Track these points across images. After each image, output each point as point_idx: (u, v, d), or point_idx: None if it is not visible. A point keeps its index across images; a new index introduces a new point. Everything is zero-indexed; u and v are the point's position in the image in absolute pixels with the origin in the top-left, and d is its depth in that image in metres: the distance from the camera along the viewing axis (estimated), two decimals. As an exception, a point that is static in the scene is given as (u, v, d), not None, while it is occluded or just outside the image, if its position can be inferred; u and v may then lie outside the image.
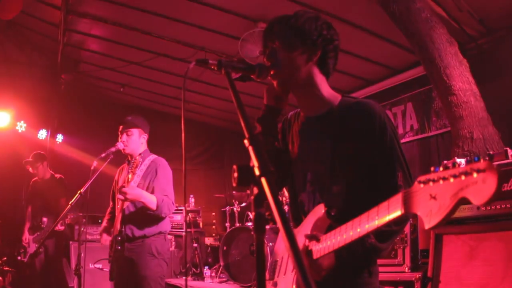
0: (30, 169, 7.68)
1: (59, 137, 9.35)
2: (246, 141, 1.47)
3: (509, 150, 3.93)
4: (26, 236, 7.47)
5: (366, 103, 2.18)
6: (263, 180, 1.35)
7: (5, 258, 6.95)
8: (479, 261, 3.79)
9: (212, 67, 1.92)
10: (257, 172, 1.37)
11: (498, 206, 3.74)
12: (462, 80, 4.78)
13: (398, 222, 2.04)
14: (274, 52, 2.23)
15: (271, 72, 2.20)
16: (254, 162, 1.40)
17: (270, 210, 2.37)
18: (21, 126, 8.70)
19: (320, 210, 2.08)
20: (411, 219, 4.39)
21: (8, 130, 8.49)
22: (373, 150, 2.10)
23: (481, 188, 1.16)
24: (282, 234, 1.25)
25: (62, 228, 7.26)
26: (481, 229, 3.87)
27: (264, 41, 2.33)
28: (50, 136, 9.28)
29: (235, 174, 1.41)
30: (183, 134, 2.11)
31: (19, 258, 7.45)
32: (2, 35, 8.80)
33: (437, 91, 5.13)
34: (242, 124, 1.54)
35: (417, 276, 4.31)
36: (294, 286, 2.09)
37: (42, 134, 9.20)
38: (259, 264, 1.36)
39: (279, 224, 1.27)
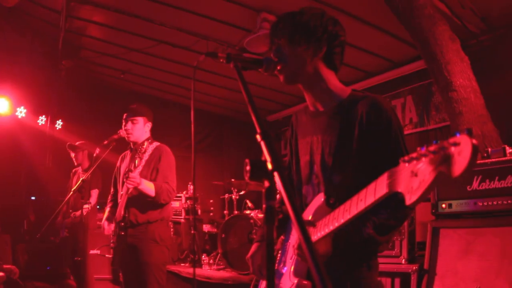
0: (72, 155, 7.83)
1: (59, 123, 9.36)
2: (258, 136, 1.52)
3: (507, 148, 3.99)
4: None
5: (375, 98, 2.23)
6: (275, 174, 1.40)
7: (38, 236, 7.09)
8: (475, 256, 3.86)
9: (221, 60, 1.97)
10: (269, 166, 1.42)
11: (495, 202, 3.81)
12: (463, 77, 4.81)
13: (397, 217, 2.11)
14: (280, 48, 2.30)
15: (278, 67, 2.25)
16: (267, 156, 1.45)
17: (281, 202, 2.43)
18: (21, 112, 8.68)
19: (319, 198, 2.14)
20: (411, 214, 4.45)
21: (8, 116, 8.48)
22: (377, 144, 2.15)
23: (456, 161, 1.21)
24: (295, 226, 1.31)
25: (78, 217, 7.36)
26: (478, 224, 3.94)
27: (271, 37, 2.38)
28: (50, 122, 9.27)
29: (248, 168, 1.46)
30: (192, 126, 2.16)
31: (52, 238, 7.78)
32: (3, 21, 8.72)
33: (438, 87, 5.16)
34: (254, 119, 1.59)
35: (414, 268, 4.38)
36: (292, 267, 2.17)
37: (42, 120, 9.20)
38: (269, 256, 1.42)
39: (292, 216, 1.32)
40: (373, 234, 2.07)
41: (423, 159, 1.34)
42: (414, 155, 1.38)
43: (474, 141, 1.18)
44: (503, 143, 4.49)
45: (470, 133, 1.21)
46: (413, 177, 1.37)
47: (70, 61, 9.07)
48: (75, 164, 7.86)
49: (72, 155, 7.82)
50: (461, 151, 1.20)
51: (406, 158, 1.42)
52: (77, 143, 7.78)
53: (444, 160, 1.25)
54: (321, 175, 2.29)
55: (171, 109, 10.62)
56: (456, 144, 1.22)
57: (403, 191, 1.42)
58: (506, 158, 3.90)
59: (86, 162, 7.82)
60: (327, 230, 1.93)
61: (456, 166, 1.21)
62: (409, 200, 1.39)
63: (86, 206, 7.13)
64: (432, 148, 1.31)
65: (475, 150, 1.17)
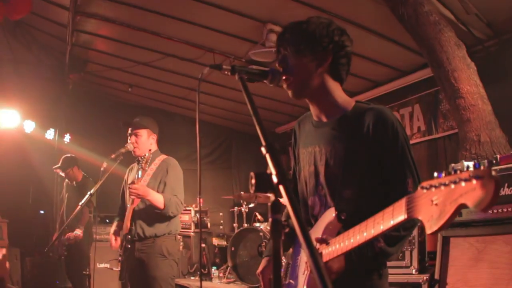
0: (61, 174, 7.75)
1: (67, 137, 9.37)
2: (263, 149, 1.50)
3: (516, 153, 3.95)
4: (55, 236, 7.52)
5: (380, 109, 2.20)
6: (281, 187, 1.38)
7: (47, 249, 7.08)
8: (485, 264, 3.82)
9: (226, 72, 1.96)
10: (275, 179, 1.41)
11: (505, 210, 3.76)
12: (469, 83, 4.78)
13: (406, 227, 2.08)
14: (285, 59, 2.28)
15: (283, 78, 2.23)
16: (272, 169, 1.43)
17: (287, 216, 2.41)
18: (29, 126, 8.71)
19: (331, 214, 2.11)
20: (419, 223, 4.40)
21: (15, 129, 8.51)
22: (384, 156, 2.14)
23: (479, 195, 1.18)
24: (300, 239, 1.28)
25: (80, 234, 7.26)
26: (488, 232, 3.89)
27: (277, 47, 2.36)
28: (58, 136, 9.30)
29: (253, 181, 1.44)
30: (198, 139, 2.15)
31: (51, 254, 7.72)
32: (10, 34, 8.82)
33: (445, 94, 5.13)
34: (259, 132, 1.57)
35: (424, 278, 4.34)
36: (305, 284, 2.14)
37: (50, 134, 9.21)
38: (276, 269, 1.40)
39: (297, 230, 1.30)
40: (384, 248, 2.06)
41: (443, 188, 1.31)
42: (433, 182, 1.35)
43: (497, 175, 1.17)
44: (512, 149, 4.46)
45: (491, 166, 1.19)
46: (433, 206, 1.34)
47: (77, 75, 9.10)
48: (70, 183, 7.76)
49: (63, 174, 7.76)
50: (484, 185, 1.17)
51: (425, 184, 1.40)
52: (60, 162, 7.69)
53: (465, 193, 1.22)
54: (327, 186, 2.27)
55: (179, 122, 10.63)
56: (479, 177, 1.19)
57: (423, 219, 1.39)
58: (516, 164, 3.86)
59: (79, 175, 7.74)
60: (344, 250, 1.90)
61: (478, 200, 1.18)
62: (429, 229, 1.35)
63: (78, 232, 7.10)
64: (452, 177, 1.28)
65: (498, 185, 1.15)
